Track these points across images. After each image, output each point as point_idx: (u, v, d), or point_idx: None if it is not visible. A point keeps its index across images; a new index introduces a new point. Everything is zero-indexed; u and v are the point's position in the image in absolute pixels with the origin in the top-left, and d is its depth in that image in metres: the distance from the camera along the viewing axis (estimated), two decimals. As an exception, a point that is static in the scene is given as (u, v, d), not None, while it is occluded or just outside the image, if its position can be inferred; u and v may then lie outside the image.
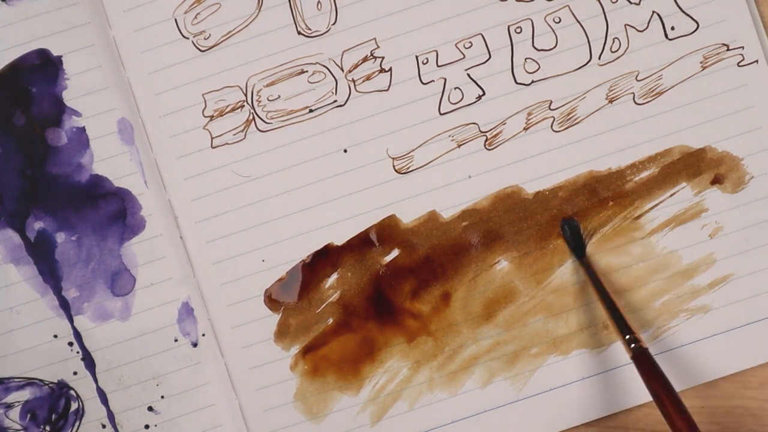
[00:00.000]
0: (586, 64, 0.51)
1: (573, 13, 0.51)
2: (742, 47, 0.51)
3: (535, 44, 0.51)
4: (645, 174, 0.51)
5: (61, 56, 0.52)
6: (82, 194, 0.52)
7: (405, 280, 0.52)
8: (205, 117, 0.52)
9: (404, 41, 0.52)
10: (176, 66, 0.52)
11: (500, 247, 0.52)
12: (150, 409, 0.52)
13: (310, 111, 0.52)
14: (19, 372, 0.52)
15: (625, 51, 0.51)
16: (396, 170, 0.52)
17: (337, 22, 0.52)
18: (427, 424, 0.52)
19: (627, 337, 0.47)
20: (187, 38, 0.52)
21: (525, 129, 0.52)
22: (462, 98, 0.52)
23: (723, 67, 0.51)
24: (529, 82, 0.52)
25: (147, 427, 0.52)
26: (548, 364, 0.51)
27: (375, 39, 0.52)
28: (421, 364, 0.52)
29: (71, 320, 0.52)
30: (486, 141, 0.52)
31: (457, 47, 0.52)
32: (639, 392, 0.51)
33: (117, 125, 0.52)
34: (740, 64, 0.51)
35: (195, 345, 0.52)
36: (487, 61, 0.52)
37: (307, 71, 0.52)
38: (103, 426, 0.52)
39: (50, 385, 0.52)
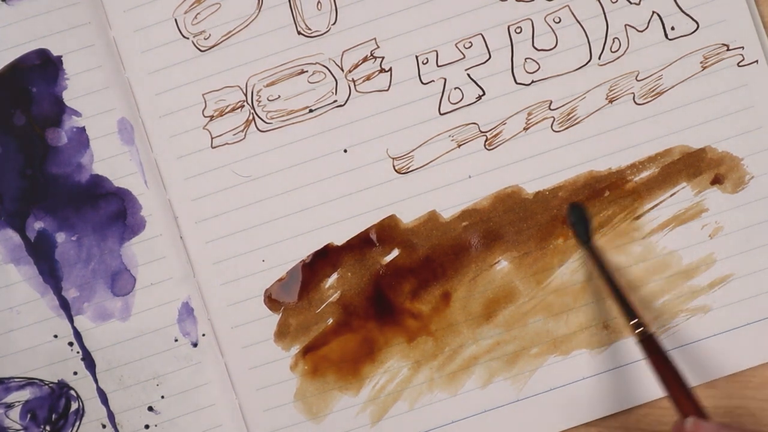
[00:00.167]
0: (586, 64, 0.51)
1: (573, 13, 0.51)
2: (742, 47, 0.51)
3: (535, 44, 0.51)
4: (645, 174, 0.51)
5: (61, 56, 0.52)
6: (82, 194, 0.52)
7: (405, 280, 0.52)
8: (205, 117, 0.52)
9: (404, 41, 0.52)
10: (176, 66, 0.52)
11: (500, 247, 0.52)
12: (150, 409, 0.52)
13: (310, 111, 0.52)
14: (19, 372, 0.52)
15: (625, 51, 0.51)
16: (396, 170, 0.52)
17: (337, 22, 0.52)
18: (427, 424, 0.52)
19: (633, 321, 0.48)
20: (187, 38, 0.52)
21: (525, 129, 0.52)
22: (462, 98, 0.52)
23: (723, 67, 0.51)
24: (529, 82, 0.52)
25: (147, 427, 0.52)
26: (548, 364, 0.51)
27: (375, 39, 0.52)
28: (421, 364, 0.52)
29: (71, 320, 0.52)
30: (486, 141, 0.52)
31: (457, 47, 0.52)
32: (639, 392, 0.51)
33: (117, 125, 0.52)
34: (740, 64, 0.51)
35: (195, 345, 0.52)
36: (487, 61, 0.52)
37: (307, 71, 0.52)
38: (103, 426, 0.52)
39: (50, 385, 0.52)
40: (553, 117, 0.52)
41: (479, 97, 0.52)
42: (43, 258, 0.52)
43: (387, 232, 0.52)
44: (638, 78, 0.51)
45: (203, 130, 0.52)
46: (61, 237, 0.52)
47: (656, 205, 0.51)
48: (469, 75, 0.52)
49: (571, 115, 0.51)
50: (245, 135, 0.52)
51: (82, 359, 0.52)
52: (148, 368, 0.52)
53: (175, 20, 0.52)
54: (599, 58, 0.51)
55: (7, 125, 0.52)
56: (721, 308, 0.51)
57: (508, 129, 0.52)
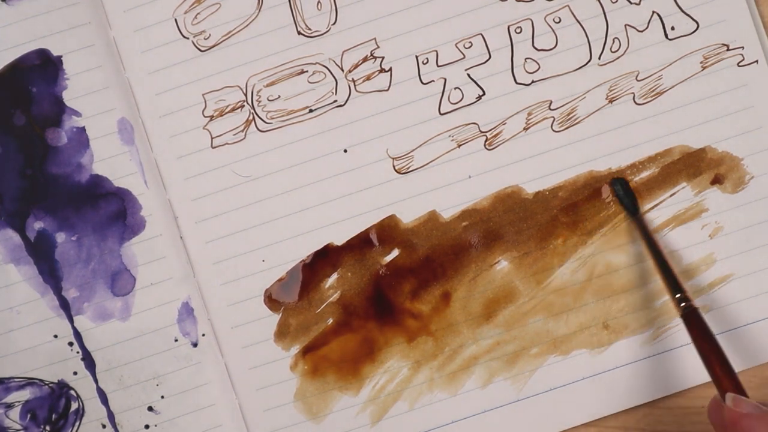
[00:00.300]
0: (586, 64, 0.51)
1: (573, 13, 0.51)
2: (742, 47, 0.51)
3: (535, 44, 0.51)
4: (645, 174, 0.51)
5: (61, 56, 0.52)
6: (82, 194, 0.52)
7: (405, 280, 0.52)
8: (205, 117, 0.52)
9: (404, 41, 0.52)
10: (176, 66, 0.52)
11: (500, 247, 0.52)
12: (150, 409, 0.52)
13: (310, 111, 0.52)
14: (19, 372, 0.52)
15: (625, 51, 0.51)
16: (396, 170, 0.52)
17: (337, 22, 0.52)
18: (427, 424, 0.52)
19: (677, 295, 0.47)
20: (187, 38, 0.52)
21: (525, 129, 0.52)
22: (462, 98, 0.52)
23: (723, 67, 0.51)
24: (529, 82, 0.52)
25: (147, 427, 0.52)
26: (548, 364, 0.51)
27: (375, 39, 0.52)
28: (421, 364, 0.52)
29: (71, 320, 0.52)
30: (486, 141, 0.52)
31: (457, 47, 0.52)
32: (639, 392, 0.51)
33: (117, 125, 0.52)
34: (740, 64, 0.51)
35: (195, 345, 0.52)
36: (487, 61, 0.52)
37: (307, 71, 0.52)
38: (103, 426, 0.52)
39: (50, 385, 0.52)
40: (553, 117, 0.51)
41: (479, 97, 0.52)
42: (43, 258, 0.52)
43: (387, 232, 0.52)
44: (638, 78, 0.51)
45: (203, 130, 0.52)
46: (61, 237, 0.52)
47: (656, 205, 0.51)
48: (469, 75, 0.52)
49: (571, 115, 0.51)
50: (245, 135, 0.52)
51: (82, 359, 0.52)
52: (148, 368, 0.52)
53: (175, 20, 0.52)
54: (599, 58, 0.51)
55: (7, 125, 0.52)
56: (721, 308, 0.51)
57: (508, 129, 0.52)
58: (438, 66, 0.52)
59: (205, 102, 0.52)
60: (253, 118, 0.52)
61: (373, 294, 0.52)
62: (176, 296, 0.52)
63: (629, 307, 0.51)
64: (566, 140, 0.51)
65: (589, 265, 0.51)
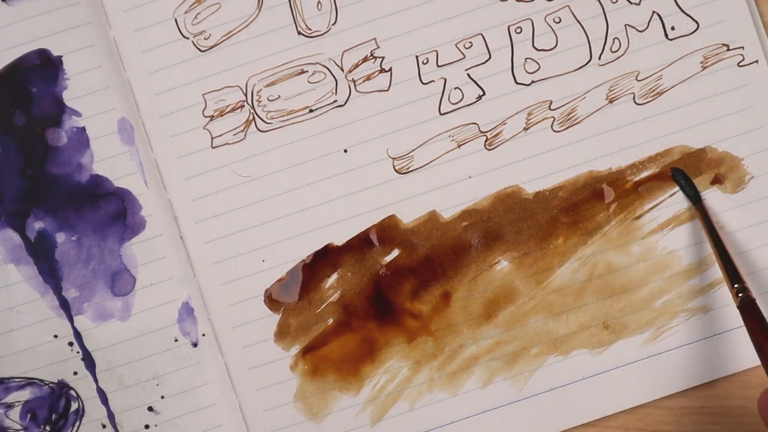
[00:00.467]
0: (586, 64, 0.51)
1: (573, 13, 0.51)
2: (742, 47, 0.51)
3: (535, 44, 0.51)
4: (645, 174, 0.51)
5: (61, 56, 0.52)
6: (82, 194, 0.52)
7: (405, 280, 0.52)
8: (205, 117, 0.52)
9: (404, 41, 0.52)
10: (176, 66, 0.52)
11: (500, 247, 0.52)
12: (150, 409, 0.52)
13: (310, 111, 0.52)
14: (19, 372, 0.52)
15: (625, 51, 0.51)
16: (396, 170, 0.52)
17: (337, 22, 0.52)
18: (427, 424, 0.52)
19: (735, 286, 0.47)
20: (187, 38, 0.52)
21: (525, 129, 0.52)
22: (462, 98, 0.52)
23: (723, 67, 0.51)
24: (529, 82, 0.52)
25: (147, 427, 0.52)
26: (548, 364, 0.51)
27: (375, 39, 0.52)
28: (421, 364, 0.52)
29: (71, 320, 0.52)
30: (486, 141, 0.52)
31: (457, 47, 0.52)
32: (639, 393, 0.51)
33: (117, 125, 0.52)
34: (740, 64, 0.51)
35: (195, 345, 0.52)
36: (487, 61, 0.52)
37: (307, 71, 0.52)
38: (103, 426, 0.52)
39: (50, 385, 0.52)
40: (553, 117, 0.51)
41: (479, 97, 0.52)
42: (43, 258, 0.52)
43: (387, 232, 0.52)
44: (638, 78, 0.51)
45: (203, 130, 0.52)
46: (61, 237, 0.52)
47: (656, 205, 0.51)
48: (469, 75, 0.52)
49: (571, 115, 0.51)
50: (245, 135, 0.52)
51: (82, 359, 0.52)
52: (148, 368, 0.52)
53: (175, 20, 0.52)
54: (599, 58, 0.51)
55: (7, 125, 0.52)
56: (721, 308, 0.51)
57: (508, 129, 0.52)
58: (438, 66, 0.52)
59: (205, 102, 0.52)
60: (253, 118, 0.52)
61: (373, 294, 0.52)
62: (176, 296, 0.52)
63: (629, 307, 0.51)
64: (566, 140, 0.51)
65: (589, 265, 0.51)
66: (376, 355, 0.52)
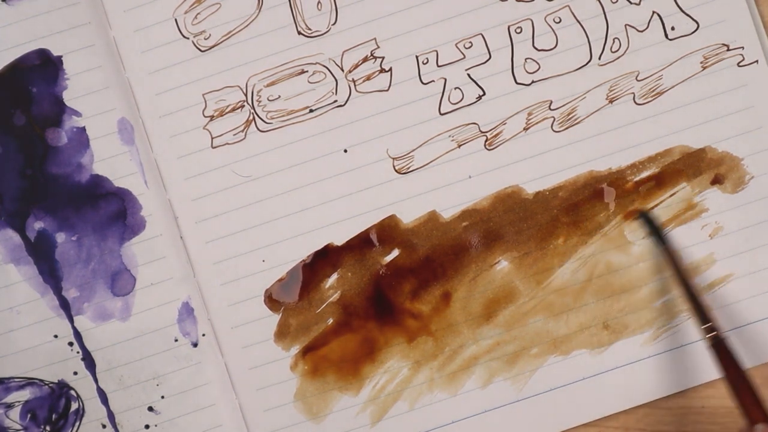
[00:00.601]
0: (586, 64, 0.51)
1: (573, 13, 0.51)
2: (742, 47, 0.51)
3: (535, 44, 0.51)
4: (645, 174, 0.51)
5: (61, 56, 0.52)
6: (82, 194, 0.52)
7: (405, 280, 0.52)
8: (205, 117, 0.52)
9: (404, 41, 0.52)
10: (176, 66, 0.52)
11: (500, 247, 0.52)
12: (150, 409, 0.52)
13: (310, 111, 0.52)
14: (19, 372, 0.52)
15: (625, 51, 0.51)
16: (396, 170, 0.52)
17: (337, 22, 0.52)
18: (427, 424, 0.52)
19: (705, 325, 0.47)
20: (187, 38, 0.52)
21: (525, 129, 0.52)
22: (462, 98, 0.52)
23: (723, 67, 0.51)
24: (529, 82, 0.52)
25: (147, 427, 0.52)
26: (548, 364, 0.51)
27: (375, 39, 0.52)
28: (421, 364, 0.52)
29: (71, 320, 0.52)
30: (486, 141, 0.52)
31: (457, 47, 0.52)
32: (639, 393, 0.51)
33: (117, 125, 0.52)
34: (740, 64, 0.51)
35: (195, 345, 0.52)
36: (487, 61, 0.52)
37: (307, 71, 0.52)
38: (104, 426, 0.52)
39: (50, 385, 0.52)
40: (553, 117, 0.52)
41: (479, 97, 0.52)
42: (43, 258, 0.52)
43: (387, 232, 0.52)
44: (638, 78, 0.51)
45: (203, 130, 0.52)
46: (61, 237, 0.52)
47: (656, 205, 0.51)
48: (469, 75, 0.52)
49: (571, 115, 0.51)
50: (245, 135, 0.52)
51: (82, 359, 0.52)
52: (148, 368, 0.52)
53: (175, 20, 0.52)
54: (599, 58, 0.51)
55: (7, 125, 0.52)
56: (721, 308, 0.51)
57: (508, 129, 0.52)
58: (438, 66, 0.52)
59: (205, 102, 0.52)
60: (253, 118, 0.52)
61: (373, 294, 0.52)
62: (176, 296, 0.52)
63: (629, 307, 0.51)
64: (566, 140, 0.51)
65: (590, 265, 0.51)
66: (376, 355, 0.52)
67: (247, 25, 0.52)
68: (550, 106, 0.51)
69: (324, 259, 0.52)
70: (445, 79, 0.52)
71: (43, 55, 0.52)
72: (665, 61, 0.51)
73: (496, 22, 0.51)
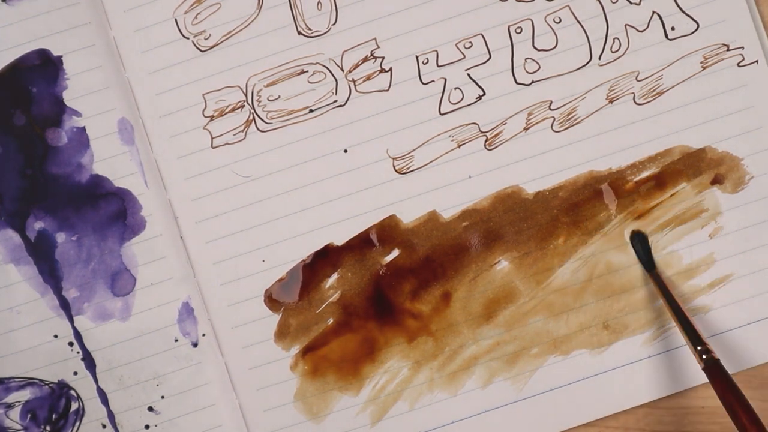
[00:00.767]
0: (587, 64, 0.51)
1: (573, 13, 0.51)
2: (742, 47, 0.51)
3: (535, 44, 0.51)
4: (645, 174, 0.51)
5: (61, 56, 0.52)
6: (82, 194, 0.52)
7: (405, 280, 0.52)
8: (205, 117, 0.52)
9: (404, 41, 0.52)
10: (176, 66, 0.52)
11: (500, 247, 0.52)
12: (150, 409, 0.52)
13: (310, 111, 0.52)
14: (19, 372, 0.52)
15: (625, 51, 0.51)
16: (396, 170, 0.52)
17: (337, 22, 0.52)
18: (427, 424, 0.52)
19: (699, 348, 0.47)
20: (187, 38, 0.52)
21: (525, 129, 0.52)
22: (462, 98, 0.52)
23: (723, 68, 0.51)
24: (530, 82, 0.52)
25: (147, 427, 0.52)
26: (548, 364, 0.51)
27: (375, 39, 0.52)
28: (422, 364, 0.52)
29: (71, 320, 0.52)
30: (486, 141, 0.52)
31: (457, 47, 0.52)
32: (639, 393, 0.51)
33: (117, 125, 0.52)
34: (740, 64, 0.51)
35: (195, 345, 0.52)
36: (487, 61, 0.52)
37: (307, 71, 0.52)
38: (104, 426, 0.52)
39: (50, 385, 0.52)
40: (553, 117, 0.52)
41: (479, 97, 0.52)
42: (43, 258, 0.52)
43: (387, 232, 0.52)
44: (638, 78, 0.51)
45: (203, 130, 0.52)
46: (61, 237, 0.52)
47: (656, 205, 0.51)
48: (469, 75, 0.52)
49: (571, 115, 0.51)
50: (245, 135, 0.52)
51: (82, 359, 0.52)
52: (148, 368, 0.52)
53: (175, 20, 0.52)
54: (599, 58, 0.51)
55: (7, 125, 0.52)
56: (721, 308, 0.51)
57: (508, 129, 0.52)
58: (438, 66, 0.52)
59: (205, 102, 0.52)
60: (253, 118, 0.52)
61: (373, 294, 0.52)
62: (176, 296, 0.52)
63: (629, 307, 0.51)
64: (566, 140, 0.51)
65: (590, 265, 0.51)
66: (376, 355, 0.52)
67: (247, 25, 0.52)
68: (550, 106, 0.51)
69: (324, 259, 0.52)
70: (445, 79, 0.52)
71: (43, 55, 0.52)
72: (665, 61, 0.51)
73: (496, 22, 0.51)
